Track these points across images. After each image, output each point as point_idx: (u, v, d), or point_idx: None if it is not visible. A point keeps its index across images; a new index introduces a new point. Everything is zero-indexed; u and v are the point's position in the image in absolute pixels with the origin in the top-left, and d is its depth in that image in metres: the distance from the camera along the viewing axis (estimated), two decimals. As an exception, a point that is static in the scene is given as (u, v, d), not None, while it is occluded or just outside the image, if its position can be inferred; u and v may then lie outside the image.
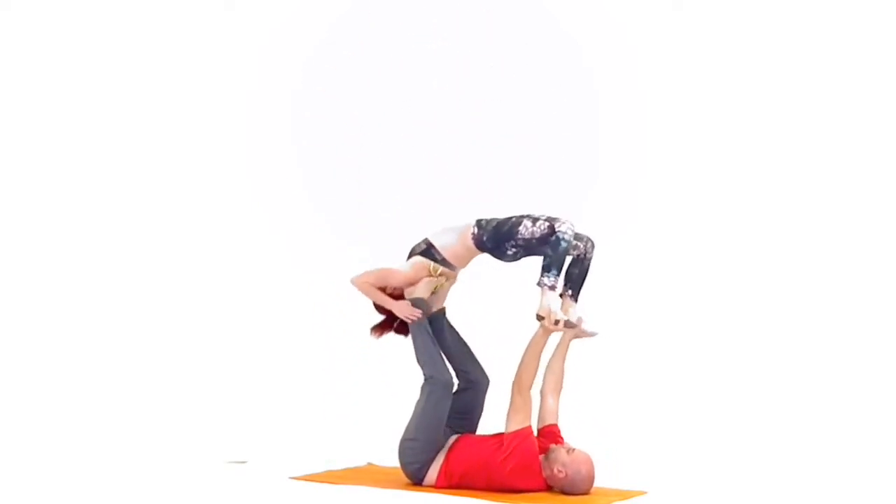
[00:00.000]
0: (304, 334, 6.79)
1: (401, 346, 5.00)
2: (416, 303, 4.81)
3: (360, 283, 4.83)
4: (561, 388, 4.80)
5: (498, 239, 4.68)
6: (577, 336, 4.80)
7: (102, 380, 6.32)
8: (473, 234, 4.73)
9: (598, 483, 4.50)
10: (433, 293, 4.86)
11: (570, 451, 4.49)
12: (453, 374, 4.82)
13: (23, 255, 6.48)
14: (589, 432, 5.01)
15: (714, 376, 6.25)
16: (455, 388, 4.79)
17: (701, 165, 6.65)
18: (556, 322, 4.54)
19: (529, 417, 4.58)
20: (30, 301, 6.44)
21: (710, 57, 6.63)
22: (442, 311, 4.94)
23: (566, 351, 4.81)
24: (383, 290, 4.85)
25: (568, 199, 6.71)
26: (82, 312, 6.50)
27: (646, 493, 4.54)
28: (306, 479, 4.79)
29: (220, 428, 5.89)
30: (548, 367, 4.79)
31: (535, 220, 4.62)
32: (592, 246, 4.82)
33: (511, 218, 4.69)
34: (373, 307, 4.95)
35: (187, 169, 6.86)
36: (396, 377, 6.15)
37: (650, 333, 6.42)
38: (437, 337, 4.83)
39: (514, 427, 4.55)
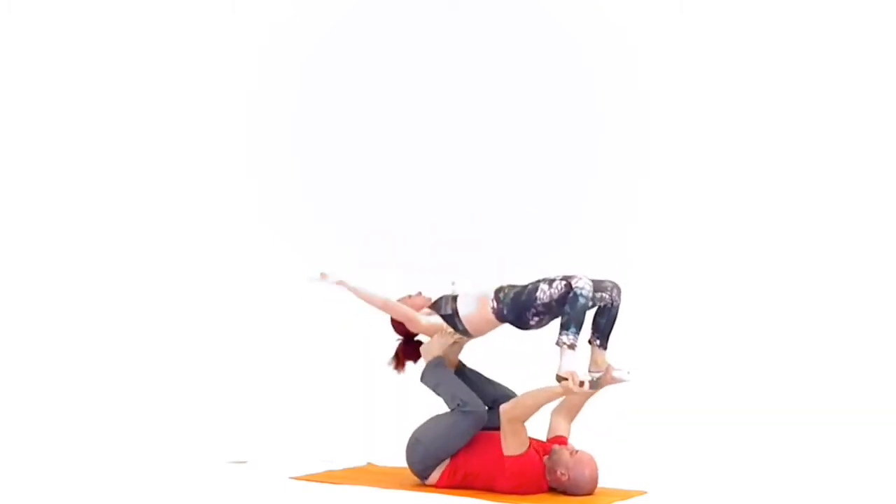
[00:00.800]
0: (303, 334, 6.78)
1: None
2: (436, 362, 4.79)
3: (395, 309, 4.78)
4: (573, 418, 4.76)
5: (518, 310, 4.57)
6: (608, 384, 4.61)
7: (103, 380, 6.32)
8: (493, 308, 4.63)
9: (598, 483, 4.50)
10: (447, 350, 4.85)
11: (573, 452, 4.48)
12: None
13: (23, 255, 6.47)
14: (589, 432, 5.01)
15: (714, 376, 6.24)
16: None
17: (700, 165, 6.65)
18: (581, 384, 4.43)
19: (525, 443, 4.52)
20: (31, 301, 6.44)
21: (710, 57, 6.63)
22: (457, 367, 4.90)
23: (580, 409, 4.76)
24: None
25: (567, 198, 6.73)
26: (83, 313, 6.50)
27: (646, 493, 4.54)
28: (306, 479, 4.79)
29: (220, 428, 5.89)
30: (567, 400, 4.69)
31: (550, 282, 4.51)
32: (619, 292, 4.66)
33: (527, 285, 4.58)
34: (391, 324, 4.95)
35: (188, 169, 6.86)
36: (396, 377, 6.14)
37: (650, 333, 6.41)
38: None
39: (514, 452, 4.50)
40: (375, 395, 6.27)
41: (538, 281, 4.57)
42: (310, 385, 6.49)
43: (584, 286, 4.44)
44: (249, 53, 7.00)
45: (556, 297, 4.48)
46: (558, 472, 4.46)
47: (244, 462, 5.22)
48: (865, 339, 6.18)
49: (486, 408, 4.66)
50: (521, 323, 4.60)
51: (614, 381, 4.59)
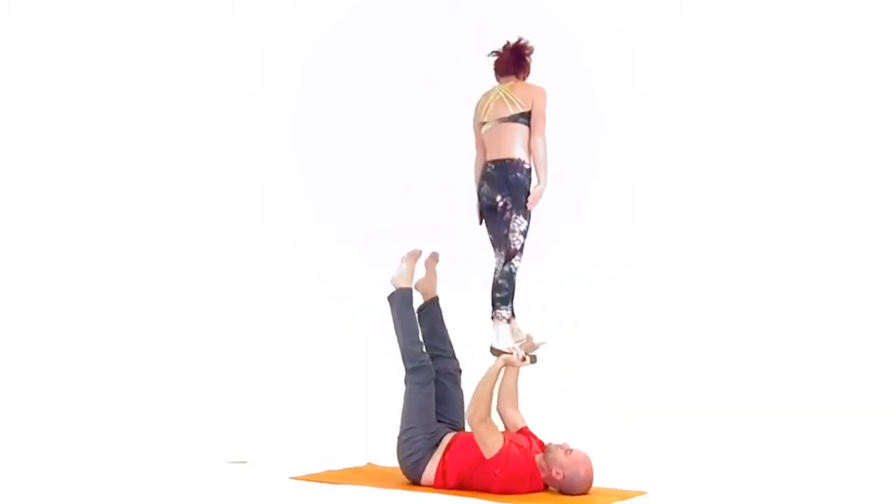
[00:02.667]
0: (303, 335, 6.78)
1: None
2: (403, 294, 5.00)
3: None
4: (517, 403, 4.82)
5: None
6: (534, 349, 4.82)
7: (103, 380, 6.32)
8: None
9: (597, 483, 4.49)
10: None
11: (567, 451, 4.47)
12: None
13: (24, 255, 6.47)
14: (589, 432, 5.01)
15: (713, 376, 6.25)
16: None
17: (700, 165, 6.65)
18: (524, 359, 4.61)
19: (501, 437, 4.54)
20: (31, 302, 6.44)
21: (710, 57, 6.63)
22: (434, 299, 5.10)
23: (518, 372, 4.83)
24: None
25: (567, 198, 6.71)
26: (84, 313, 6.50)
27: (646, 493, 4.54)
28: (306, 479, 4.80)
29: (220, 428, 5.89)
30: (502, 385, 4.79)
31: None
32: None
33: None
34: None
35: (188, 170, 6.86)
36: (396, 377, 6.14)
37: (650, 333, 6.42)
38: (424, 320, 5.01)
39: (493, 452, 4.51)
40: (375, 395, 6.27)
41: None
42: (310, 385, 6.49)
43: (517, 264, 4.73)
44: (249, 53, 7.00)
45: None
46: (553, 472, 4.46)
47: (244, 462, 5.22)
48: (866, 338, 6.18)
49: (430, 364, 4.87)
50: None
51: (536, 346, 4.81)
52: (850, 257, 6.32)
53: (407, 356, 4.92)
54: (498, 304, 4.72)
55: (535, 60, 5.26)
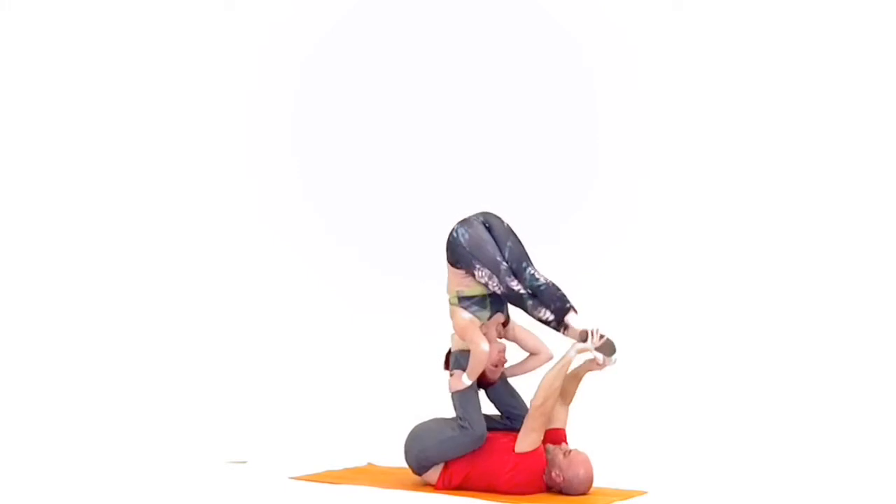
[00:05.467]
0: (303, 335, 6.78)
1: (400, 347, 5.01)
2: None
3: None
4: (572, 399, 4.75)
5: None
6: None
7: (104, 380, 6.32)
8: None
9: (598, 483, 4.49)
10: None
11: (566, 453, 4.46)
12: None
13: (25, 256, 6.48)
14: (589, 432, 5.01)
15: (713, 376, 6.25)
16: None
17: (699, 165, 6.65)
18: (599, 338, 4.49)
19: (542, 437, 4.53)
20: (32, 302, 6.44)
21: (709, 57, 6.63)
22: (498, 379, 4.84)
23: (575, 392, 4.73)
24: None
25: (567, 198, 6.73)
26: (84, 314, 6.50)
27: (646, 493, 4.54)
28: (306, 479, 4.79)
29: (220, 428, 5.89)
30: (565, 379, 4.71)
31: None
32: None
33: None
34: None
35: (188, 170, 6.86)
36: (396, 377, 6.16)
37: (650, 334, 6.41)
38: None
39: (527, 447, 4.49)
40: (375, 395, 6.28)
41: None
42: (310, 385, 6.49)
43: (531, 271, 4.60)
44: (249, 53, 7.00)
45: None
46: (553, 474, 4.45)
47: (244, 462, 5.22)
48: (864, 339, 6.19)
49: (486, 429, 4.63)
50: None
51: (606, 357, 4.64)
52: (849, 252, 6.33)
53: (467, 414, 4.63)
54: (564, 298, 4.57)
55: (535, 60, 5.25)
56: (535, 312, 4.54)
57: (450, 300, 4.64)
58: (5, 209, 6.53)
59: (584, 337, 4.50)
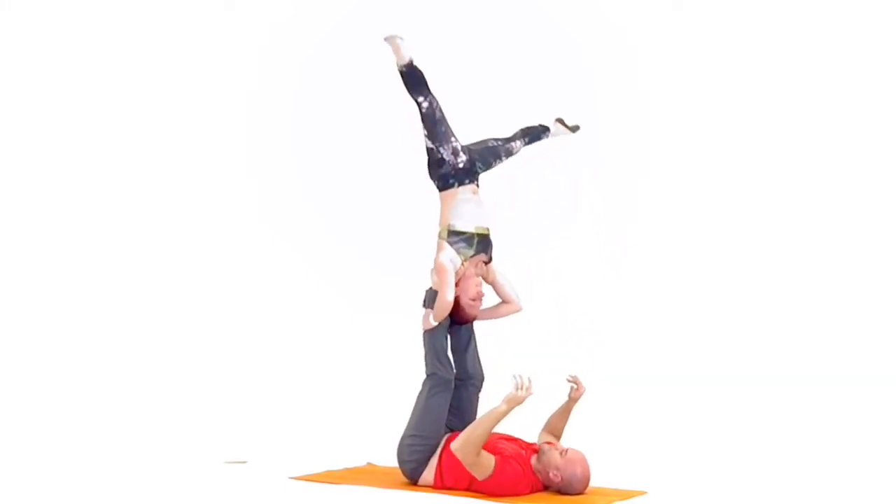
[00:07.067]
0: (303, 335, 6.78)
1: (399, 347, 4.99)
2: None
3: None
4: (561, 435, 4.74)
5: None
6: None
7: (104, 380, 6.32)
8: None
9: (597, 483, 4.49)
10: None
11: (563, 452, 4.44)
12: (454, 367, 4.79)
13: (26, 256, 6.48)
14: (589, 432, 5.01)
15: (713, 376, 6.25)
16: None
17: (699, 165, 6.65)
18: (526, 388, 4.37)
19: (491, 460, 4.41)
20: (32, 302, 6.44)
21: (709, 57, 6.64)
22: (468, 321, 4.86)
23: (571, 410, 4.74)
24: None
25: (566, 198, 6.72)
26: (84, 314, 6.51)
27: (646, 493, 4.53)
28: (306, 479, 4.79)
29: (220, 428, 5.89)
30: (550, 423, 4.73)
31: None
32: None
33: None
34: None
35: (188, 170, 6.87)
36: (396, 377, 6.15)
37: (650, 334, 6.42)
38: (454, 333, 4.81)
39: (485, 475, 4.42)
40: (375, 395, 6.28)
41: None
42: (310, 385, 6.49)
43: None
44: (249, 53, 7.01)
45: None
46: (550, 474, 4.44)
47: (244, 462, 5.22)
48: (863, 339, 6.19)
49: (453, 376, 4.69)
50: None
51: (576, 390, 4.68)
52: (849, 250, 6.33)
53: (431, 358, 4.71)
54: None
55: (535, 60, 5.27)
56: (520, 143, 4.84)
57: (439, 233, 4.66)
58: (6, 209, 6.53)
59: (515, 386, 4.37)
